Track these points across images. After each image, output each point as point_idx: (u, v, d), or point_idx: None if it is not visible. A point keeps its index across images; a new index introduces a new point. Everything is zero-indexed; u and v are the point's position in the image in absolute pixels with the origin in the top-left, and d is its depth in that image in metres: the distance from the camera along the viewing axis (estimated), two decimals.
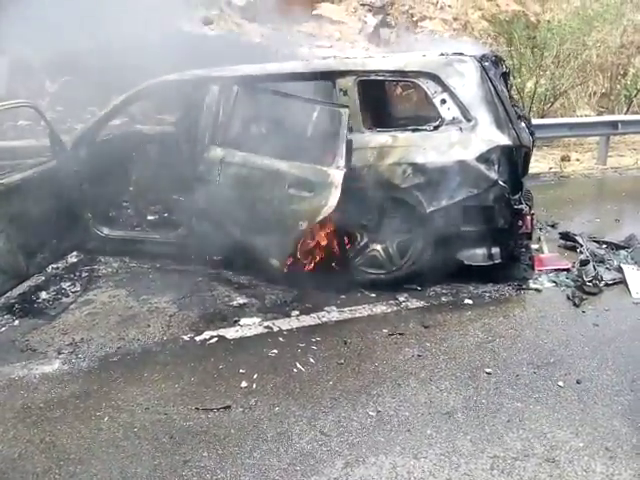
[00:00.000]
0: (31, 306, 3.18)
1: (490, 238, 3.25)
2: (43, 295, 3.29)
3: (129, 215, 4.05)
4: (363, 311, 3.11)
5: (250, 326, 2.96)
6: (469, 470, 1.94)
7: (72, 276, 3.58)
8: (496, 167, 3.15)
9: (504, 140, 3.17)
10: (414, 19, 10.03)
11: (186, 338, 2.84)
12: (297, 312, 3.10)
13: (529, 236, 3.54)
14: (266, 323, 2.98)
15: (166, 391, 2.40)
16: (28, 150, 3.58)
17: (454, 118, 3.21)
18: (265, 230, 3.23)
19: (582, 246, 3.84)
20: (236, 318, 3.03)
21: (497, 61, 3.62)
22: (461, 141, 3.17)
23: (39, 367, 2.59)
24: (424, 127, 3.28)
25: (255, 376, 2.49)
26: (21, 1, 4.43)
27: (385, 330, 2.88)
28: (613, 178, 6.80)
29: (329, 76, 3.41)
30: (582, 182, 6.60)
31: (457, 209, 3.16)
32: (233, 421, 2.20)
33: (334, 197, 3.03)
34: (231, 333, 2.88)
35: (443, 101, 3.23)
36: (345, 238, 3.34)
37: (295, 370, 2.54)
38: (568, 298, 3.21)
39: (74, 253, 3.78)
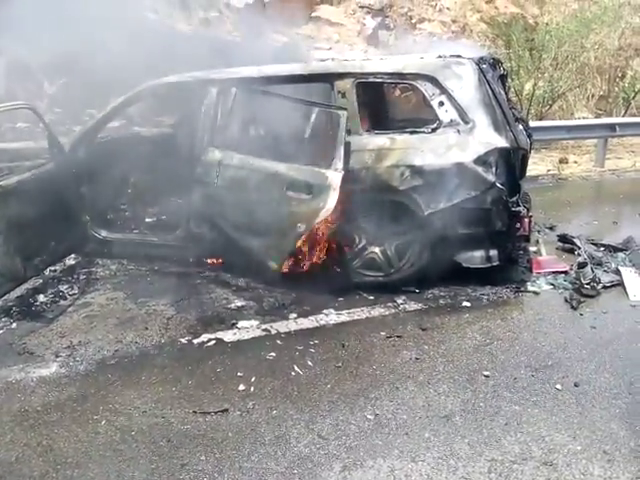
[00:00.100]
0: (29, 309, 3.17)
1: (488, 240, 3.26)
2: (41, 298, 3.29)
3: (127, 217, 4.05)
4: (361, 314, 3.11)
5: (248, 329, 2.95)
6: (467, 473, 1.94)
7: (70, 279, 3.57)
8: (494, 169, 3.15)
9: (502, 142, 3.17)
10: (413, 21, 10.05)
11: (184, 341, 2.84)
12: (295, 315, 3.10)
13: (527, 238, 3.55)
14: (264, 326, 2.98)
15: (164, 394, 2.40)
16: (26, 152, 3.57)
17: (452, 120, 3.21)
18: (263, 232, 3.23)
19: (580, 248, 3.85)
20: (234, 321, 3.03)
21: (495, 63, 3.63)
22: (459, 143, 3.17)
23: (36, 370, 2.58)
24: (422, 129, 3.28)
25: (253, 379, 2.49)
26: (18, 2, 4.43)
27: (383, 333, 2.88)
28: (611, 180, 6.82)
29: (327, 78, 3.42)
30: (580, 184, 6.61)
31: (455, 211, 3.16)
32: (231, 424, 2.20)
33: (332, 199, 3.04)
34: (229, 336, 2.88)
35: (441, 103, 3.24)
36: (343, 241, 3.34)
37: (293, 373, 2.53)
38: (566, 301, 3.22)
39: (72, 256, 3.77)
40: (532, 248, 3.90)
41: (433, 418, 2.22)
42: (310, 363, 2.61)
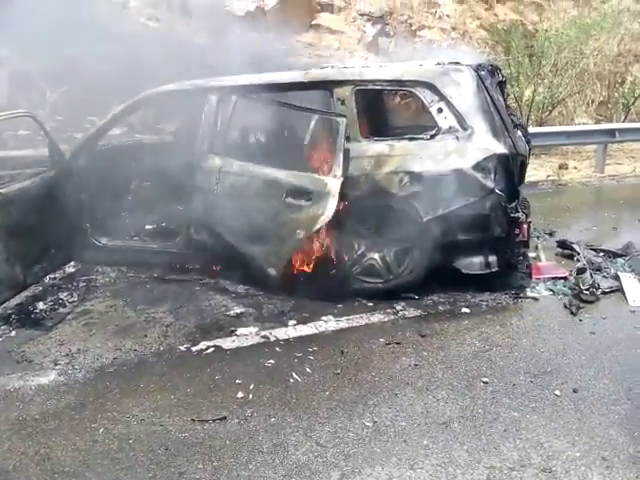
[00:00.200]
0: (28, 317, 3.18)
1: (487, 246, 3.26)
2: (40, 305, 3.29)
3: (127, 225, 4.06)
4: (360, 320, 3.11)
5: (247, 336, 2.95)
6: None
7: (70, 286, 3.58)
8: (492, 175, 3.16)
9: (500, 149, 3.18)
10: (413, 28, 10.12)
11: (182, 348, 2.83)
12: (294, 321, 3.09)
13: (526, 244, 3.55)
14: (263, 333, 2.98)
15: (162, 402, 2.39)
16: (27, 160, 3.59)
17: (451, 127, 3.22)
18: (263, 239, 3.24)
19: (579, 254, 3.85)
20: (233, 328, 3.03)
21: (493, 70, 3.65)
22: (458, 150, 3.18)
23: (35, 378, 2.58)
24: (421, 136, 3.30)
25: (251, 386, 2.48)
26: (21, 11, 4.48)
27: (382, 339, 2.88)
28: (611, 186, 6.82)
29: (327, 85, 3.44)
30: (580, 190, 6.62)
31: (454, 218, 3.17)
32: (229, 432, 2.19)
33: (331, 206, 3.05)
34: (228, 343, 2.88)
35: (440, 110, 3.25)
36: (342, 247, 3.35)
37: (292, 380, 2.53)
38: (565, 306, 3.21)
39: (72, 263, 3.78)
40: (531, 254, 3.89)
41: (432, 425, 2.22)
42: (309, 370, 2.61)
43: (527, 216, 3.46)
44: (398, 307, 3.22)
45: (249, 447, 2.11)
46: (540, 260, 3.84)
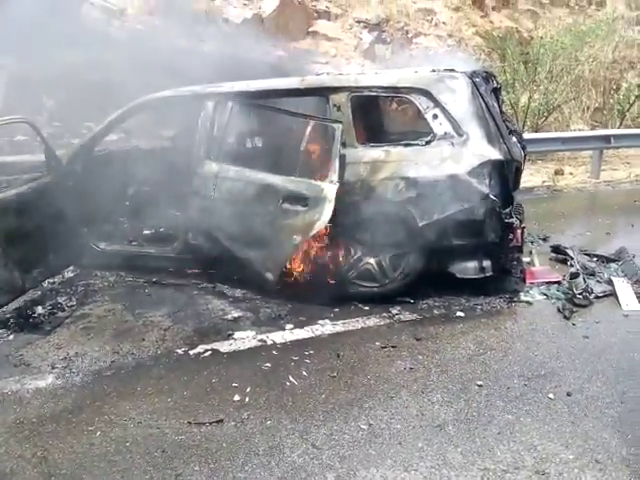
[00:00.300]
0: (26, 321, 3.19)
1: (481, 251, 3.30)
2: (39, 310, 3.30)
3: (125, 229, 4.09)
4: (356, 324, 3.13)
5: (244, 339, 2.97)
6: None
7: (68, 290, 3.59)
8: (487, 181, 3.19)
9: (495, 154, 3.22)
10: (409, 36, 10.20)
11: (180, 352, 2.85)
12: (291, 325, 3.12)
13: (520, 249, 3.59)
14: (260, 336, 3.00)
15: (159, 405, 2.41)
16: (24, 165, 3.62)
17: (446, 133, 3.26)
18: (259, 244, 3.27)
19: (573, 259, 3.88)
20: (230, 331, 3.05)
21: (488, 77, 3.70)
22: (453, 156, 3.22)
23: (32, 382, 2.59)
24: (416, 142, 3.34)
25: (248, 390, 2.50)
26: (18, 17, 4.52)
27: (378, 343, 2.90)
28: (606, 191, 6.88)
29: (323, 92, 3.48)
30: (575, 195, 6.67)
31: (449, 223, 3.20)
32: (225, 435, 2.21)
33: (328, 211, 3.08)
34: (225, 347, 2.90)
35: (435, 116, 3.29)
36: (339, 251, 3.38)
37: (288, 383, 2.55)
38: (559, 310, 3.24)
39: (70, 268, 3.80)
40: (525, 259, 3.93)
41: (426, 427, 2.24)
42: (305, 373, 2.63)
43: (521, 221, 3.50)
44: (394, 311, 3.25)
45: (245, 449, 2.12)
46: (534, 265, 3.88)
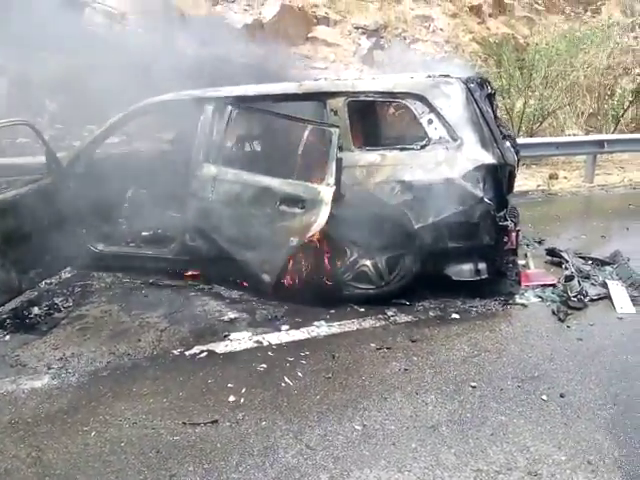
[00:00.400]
0: (23, 321, 3.19)
1: (477, 254, 3.32)
2: (35, 310, 3.31)
3: (123, 231, 4.10)
4: (352, 325, 3.15)
5: (240, 340, 2.98)
6: None
7: (65, 291, 3.60)
8: (481, 185, 3.23)
9: (489, 159, 3.25)
10: (407, 42, 10.29)
11: (176, 353, 2.86)
12: (287, 326, 3.13)
13: (514, 252, 3.61)
14: (256, 337, 3.01)
15: (154, 406, 2.42)
16: (25, 167, 3.63)
17: (441, 137, 3.30)
18: (257, 246, 3.29)
19: (568, 262, 3.91)
20: (226, 333, 3.06)
21: (482, 83, 3.74)
22: (447, 160, 3.26)
23: (28, 382, 2.60)
24: (412, 146, 3.37)
25: (243, 390, 2.51)
26: (20, 20, 4.55)
27: (373, 344, 2.92)
28: (600, 196, 6.93)
29: (320, 97, 3.52)
30: (569, 199, 6.72)
31: (444, 225, 3.23)
32: (220, 435, 2.22)
33: (324, 214, 3.10)
34: (221, 347, 2.91)
35: (430, 121, 3.33)
36: (335, 254, 3.40)
37: (283, 384, 2.56)
38: (553, 313, 3.26)
39: (68, 268, 3.81)
40: (521, 261, 3.95)
41: (420, 428, 2.25)
42: (300, 374, 2.64)
43: (516, 225, 3.52)
44: (389, 313, 3.27)
45: (240, 450, 2.13)
46: (529, 268, 3.90)
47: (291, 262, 3.28)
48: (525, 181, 7.11)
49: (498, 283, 3.56)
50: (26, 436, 2.23)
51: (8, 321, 3.17)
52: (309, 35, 9.64)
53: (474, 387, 2.52)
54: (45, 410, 2.39)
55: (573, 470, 2.03)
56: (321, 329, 3.10)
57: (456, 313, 3.28)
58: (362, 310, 3.31)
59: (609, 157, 8.66)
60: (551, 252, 4.20)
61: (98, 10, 7.13)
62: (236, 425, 2.28)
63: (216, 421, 2.30)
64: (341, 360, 2.77)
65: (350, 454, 2.11)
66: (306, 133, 3.55)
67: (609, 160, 8.75)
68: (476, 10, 11.36)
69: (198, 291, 3.62)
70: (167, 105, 3.73)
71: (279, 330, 3.09)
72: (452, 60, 8.69)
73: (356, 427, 2.26)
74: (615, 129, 9.53)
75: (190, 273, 3.72)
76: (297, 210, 3.17)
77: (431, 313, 3.29)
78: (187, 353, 2.85)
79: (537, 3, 12.76)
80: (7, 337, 3.02)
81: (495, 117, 3.76)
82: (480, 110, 3.38)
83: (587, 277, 3.71)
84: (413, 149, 3.35)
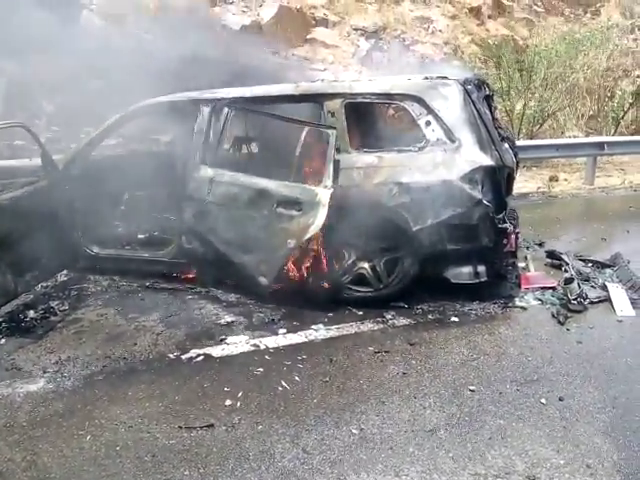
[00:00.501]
0: (18, 325, 3.17)
1: (476, 256, 3.30)
2: (31, 314, 3.29)
3: (119, 234, 4.09)
4: (350, 329, 3.13)
5: (237, 344, 2.96)
6: None
7: (61, 294, 3.58)
8: (480, 187, 3.21)
9: (487, 161, 3.24)
10: (406, 43, 10.29)
11: (172, 356, 2.84)
12: (284, 330, 3.11)
13: (514, 254, 3.59)
14: (253, 341, 2.99)
15: (150, 409, 2.40)
16: (21, 170, 3.62)
17: (438, 139, 3.29)
18: (254, 248, 3.27)
19: (568, 264, 3.89)
20: (223, 336, 3.04)
21: (480, 84, 3.72)
22: (445, 161, 3.24)
23: (24, 386, 2.58)
24: (409, 148, 3.35)
25: (240, 394, 2.49)
26: (18, 22, 4.55)
27: (371, 348, 2.90)
28: (600, 198, 6.91)
29: (317, 98, 3.50)
30: (570, 202, 6.70)
31: (442, 228, 3.21)
32: (216, 439, 2.20)
33: (322, 216, 3.09)
34: (217, 351, 2.89)
35: (428, 123, 3.31)
36: (333, 256, 3.38)
37: (280, 388, 2.54)
38: (553, 316, 3.24)
39: (64, 272, 3.80)
40: (521, 264, 3.93)
41: (418, 432, 2.23)
42: (297, 378, 2.62)
43: (515, 227, 3.50)
44: (388, 316, 3.25)
45: (236, 454, 2.11)
46: (529, 270, 3.88)
47: (288, 265, 3.26)
48: (525, 183, 7.10)
49: (497, 286, 3.54)
50: (21, 440, 2.21)
51: (3, 324, 3.15)
52: (307, 36, 9.65)
53: (473, 391, 2.50)
54: (40, 414, 2.38)
55: (572, 474, 2.01)
56: (319, 332, 3.08)
57: (455, 316, 3.26)
58: (360, 313, 3.29)
59: (609, 159, 8.65)
60: (551, 254, 4.18)
61: (96, 12, 7.14)
62: (232, 429, 2.26)
63: (212, 425, 2.28)
64: (339, 364, 2.75)
65: (347, 458, 2.09)
66: (303, 135, 3.55)
67: (609, 162, 8.73)
68: (475, 12, 11.37)
69: (195, 294, 3.60)
70: (164, 107, 3.72)
71: (276, 333, 3.07)
72: (451, 62, 8.69)
73: (353, 431, 2.24)
74: (615, 131, 9.51)
75: (186, 276, 3.70)
76: (294, 212, 3.15)
77: (430, 316, 3.27)
78: (183, 357, 2.83)
79: (536, 5, 12.77)
80: (2, 340, 3.01)
81: (493, 119, 3.75)
82: (478, 112, 3.36)
83: (587, 280, 3.69)
84: (411, 151, 3.34)
